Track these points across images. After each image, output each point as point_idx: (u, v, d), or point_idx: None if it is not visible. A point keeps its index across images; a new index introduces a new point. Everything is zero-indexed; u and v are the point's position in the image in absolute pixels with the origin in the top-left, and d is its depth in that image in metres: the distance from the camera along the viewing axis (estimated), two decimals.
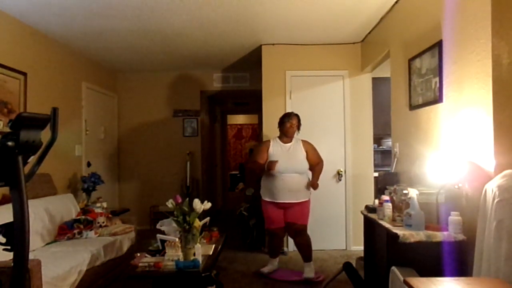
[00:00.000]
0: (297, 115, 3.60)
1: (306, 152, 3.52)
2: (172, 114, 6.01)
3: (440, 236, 2.12)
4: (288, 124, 3.51)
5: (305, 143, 3.58)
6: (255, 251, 4.46)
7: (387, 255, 2.31)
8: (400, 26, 3.33)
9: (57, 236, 3.40)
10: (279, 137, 3.60)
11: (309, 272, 3.45)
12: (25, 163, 1.05)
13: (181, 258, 2.50)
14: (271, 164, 3.37)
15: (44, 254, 2.81)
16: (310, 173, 3.61)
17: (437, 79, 2.54)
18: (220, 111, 8.40)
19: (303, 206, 3.50)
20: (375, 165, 4.66)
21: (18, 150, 1.01)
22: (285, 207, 3.47)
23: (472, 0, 2.15)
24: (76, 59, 4.73)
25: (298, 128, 3.59)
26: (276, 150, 3.50)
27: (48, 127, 1.13)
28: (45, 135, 1.10)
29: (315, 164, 3.56)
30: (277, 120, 3.65)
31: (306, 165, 3.48)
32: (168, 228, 2.95)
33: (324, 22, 3.87)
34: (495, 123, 1.94)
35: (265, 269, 3.63)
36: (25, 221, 1.02)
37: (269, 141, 3.62)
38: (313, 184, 3.51)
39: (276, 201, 3.46)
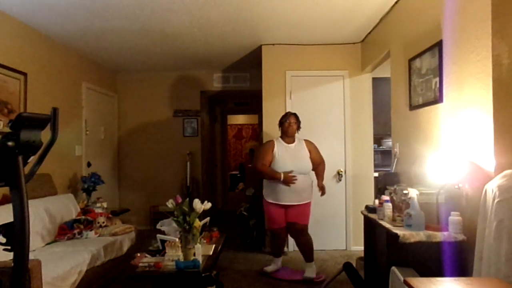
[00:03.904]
0: (294, 114, 3.60)
1: (310, 152, 3.53)
2: (172, 114, 6.01)
3: (440, 236, 2.12)
4: (287, 124, 3.52)
5: (308, 142, 3.59)
6: (255, 251, 4.46)
7: (387, 255, 2.31)
8: (400, 26, 3.33)
9: (57, 236, 3.40)
10: (281, 138, 3.60)
11: (310, 272, 3.46)
12: (25, 163, 1.05)
13: (181, 258, 2.50)
14: (290, 178, 3.35)
15: (44, 254, 2.81)
16: (312, 174, 3.61)
17: (437, 79, 2.54)
18: (220, 111, 8.41)
19: (305, 207, 3.52)
20: (375, 165, 4.66)
21: (18, 150, 1.01)
22: (287, 207, 3.47)
23: (472, 0, 2.15)
24: (76, 59, 4.73)
25: (298, 127, 3.59)
26: (281, 150, 3.49)
27: (48, 127, 1.13)
28: (45, 135, 1.10)
29: (318, 164, 3.58)
30: (277, 120, 3.66)
31: (310, 165, 3.49)
32: (168, 228, 2.95)
33: (324, 22, 3.87)
34: (495, 123, 1.94)
35: (269, 268, 3.64)
36: (25, 221, 1.02)
37: (273, 141, 3.59)
38: (322, 188, 3.55)
39: (279, 203, 3.45)
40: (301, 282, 3.43)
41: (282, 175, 3.36)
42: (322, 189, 3.55)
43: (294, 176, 3.36)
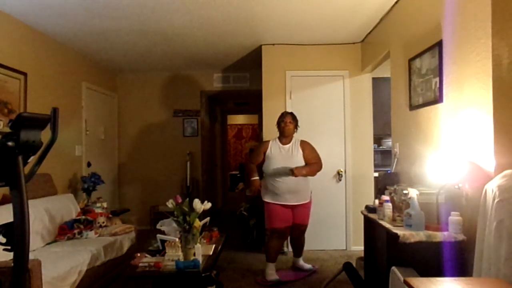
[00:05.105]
0: (290, 113, 3.60)
1: (303, 150, 3.49)
2: (172, 114, 6.01)
3: (440, 236, 2.12)
4: (283, 124, 3.52)
5: (303, 142, 3.56)
6: (255, 251, 4.46)
7: (387, 255, 2.31)
8: (400, 26, 3.33)
9: (57, 236, 3.40)
10: (279, 138, 3.59)
11: (305, 264, 3.73)
12: (25, 163, 1.05)
13: (181, 258, 2.51)
14: (253, 188, 3.45)
15: (44, 254, 2.81)
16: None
17: (437, 79, 2.54)
18: (220, 111, 8.41)
19: (307, 207, 3.55)
20: (375, 165, 4.66)
21: (18, 150, 1.01)
22: (292, 207, 3.47)
23: (472, 0, 2.15)
24: (76, 59, 4.73)
25: (296, 126, 3.57)
26: (275, 151, 3.49)
27: (48, 127, 1.13)
28: (45, 135, 1.10)
29: (312, 164, 3.48)
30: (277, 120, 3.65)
31: (303, 165, 3.44)
32: (168, 228, 2.95)
33: (324, 22, 3.87)
34: (495, 123, 1.94)
35: (272, 276, 3.41)
36: (25, 221, 1.02)
37: (268, 142, 3.60)
38: (296, 168, 3.29)
39: (281, 203, 3.44)
40: (301, 281, 3.43)
41: (253, 179, 3.47)
42: (295, 169, 3.28)
43: (256, 188, 3.46)
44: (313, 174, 3.50)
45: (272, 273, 3.43)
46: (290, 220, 3.48)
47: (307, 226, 3.61)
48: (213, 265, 2.64)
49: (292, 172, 3.28)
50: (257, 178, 3.48)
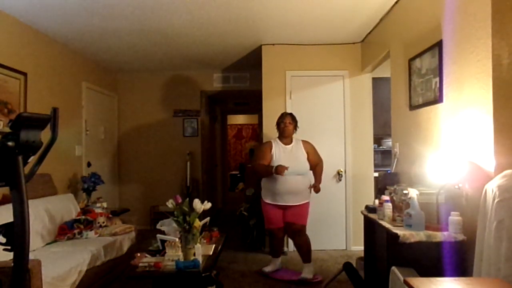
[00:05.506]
0: (290, 114, 3.61)
1: (307, 153, 3.52)
2: (172, 114, 6.01)
3: (440, 236, 2.12)
4: (282, 125, 3.53)
5: (306, 143, 3.58)
6: (255, 251, 4.46)
7: (387, 255, 2.31)
8: (400, 26, 3.33)
9: (57, 236, 3.40)
10: (279, 139, 3.60)
11: (307, 272, 3.45)
12: (25, 163, 1.05)
13: (181, 258, 2.50)
14: (281, 168, 3.24)
15: (44, 254, 2.81)
16: (311, 173, 3.61)
17: (437, 79, 2.54)
18: (220, 111, 8.41)
19: (303, 207, 3.51)
20: (375, 165, 4.66)
21: (18, 150, 1.01)
22: (284, 208, 3.48)
23: (472, 0, 2.15)
24: (76, 59, 4.73)
25: (295, 127, 3.59)
26: (278, 151, 3.49)
27: (48, 127, 1.13)
28: (45, 135, 1.10)
29: (315, 165, 3.59)
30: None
31: (307, 166, 3.50)
32: (168, 228, 2.95)
33: (324, 22, 3.87)
34: (495, 123, 1.94)
35: (267, 268, 3.66)
36: (25, 221, 1.02)
37: (270, 142, 3.60)
38: (315, 188, 3.54)
39: (276, 203, 3.47)
40: (299, 283, 3.42)
41: (273, 168, 3.30)
42: (315, 190, 3.54)
43: (285, 167, 3.24)
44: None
45: (270, 266, 3.66)
46: (280, 222, 3.52)
47: (302, 226, 3.50)
48: (213, 265, 2.64)
49: (316, 192, 3.56)
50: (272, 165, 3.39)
